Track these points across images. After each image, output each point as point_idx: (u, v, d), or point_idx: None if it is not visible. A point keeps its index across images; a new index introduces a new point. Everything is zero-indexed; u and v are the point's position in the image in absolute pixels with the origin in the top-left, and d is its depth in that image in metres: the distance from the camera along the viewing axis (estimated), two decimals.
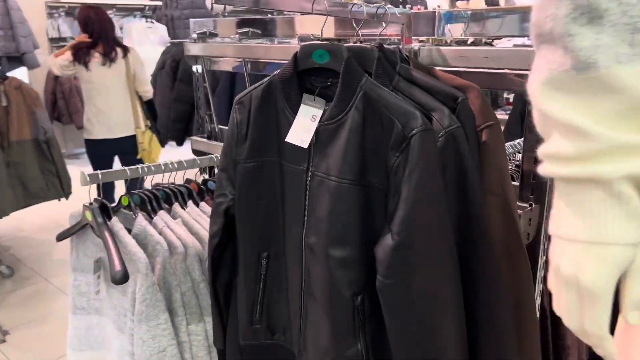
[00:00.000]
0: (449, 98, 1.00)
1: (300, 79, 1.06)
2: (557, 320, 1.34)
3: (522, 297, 1.08)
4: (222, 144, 2.05)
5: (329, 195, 1.01)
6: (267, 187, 1.14)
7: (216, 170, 1.66)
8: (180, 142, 4.70)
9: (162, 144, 4.33)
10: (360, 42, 1.10)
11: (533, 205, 1.13)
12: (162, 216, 1.43)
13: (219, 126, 1.96)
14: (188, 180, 1.64)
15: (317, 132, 1.03)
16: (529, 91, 0.60)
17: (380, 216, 0.99)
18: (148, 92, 3.77)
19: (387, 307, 0.97)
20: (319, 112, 1.03)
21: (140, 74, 3.68)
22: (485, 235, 0.98)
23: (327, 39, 1.15)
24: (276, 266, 1.18)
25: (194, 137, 1.96)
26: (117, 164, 4.02)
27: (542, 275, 1.17)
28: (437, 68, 1.13)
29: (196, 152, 1.98)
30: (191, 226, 1.44)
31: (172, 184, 1.64)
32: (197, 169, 1.70)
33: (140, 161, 3.73)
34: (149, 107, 3.89)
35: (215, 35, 1.85)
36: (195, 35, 1.82)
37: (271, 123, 1.11)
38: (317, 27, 1.55)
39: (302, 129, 1.04)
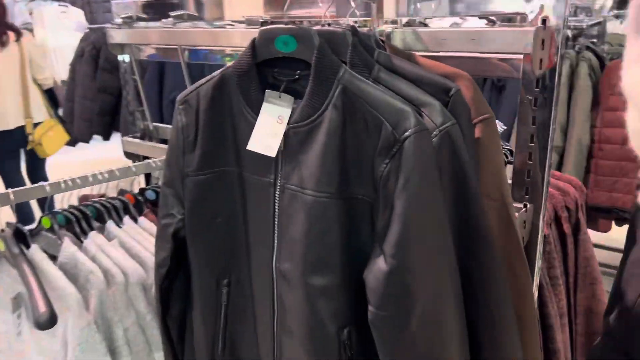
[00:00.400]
0: (440, 90, 0.85)
1: (260, 71, 0.87)
2: (547, 324, 1.25)
3: (523, 311, 0.96)
4: (158, 145, 1.82)
5: (304, 213, 0.84)
6: (224, 203, 0.95)
7: (157, 178, 1.43)
8: (106, 137, 4.34)
9: (86, 138, 3.97)
10: (329, 24, 0.92)
11: (528, 206, 1.01)
12: (94, 238, 1.20)
13: (154, 124, 1.72)
14: (122, 191, 1.40)
15: (286, 136, 0.85)
16: (627, 88, 0.45)
17: (366, 234, 0.83)
18: (47, 79, 3.46)
19: (382, 343, 0.81)
20: (286, 112, 0.85)
21: (38, 60, 3.35)
22: (489, 249, 0.85)
23: (292, 22, 0.96)
24: (240, 294, 0.99)
25: (125, 138, 1.71)
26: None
27: (538, 282, 1.06)
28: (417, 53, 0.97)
29: (128, 155, 1.74)
30: (130, 248, 1.22)
31: (103, 196, 1.41)
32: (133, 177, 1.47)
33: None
34: (50, 96, 3.56)
35: (144, 19, 1.60)
36: (119, 20, 1.56)
37: (226, 126, 0.91)
38: (249, 6, 1.35)
39: (267, 133, 0.85)
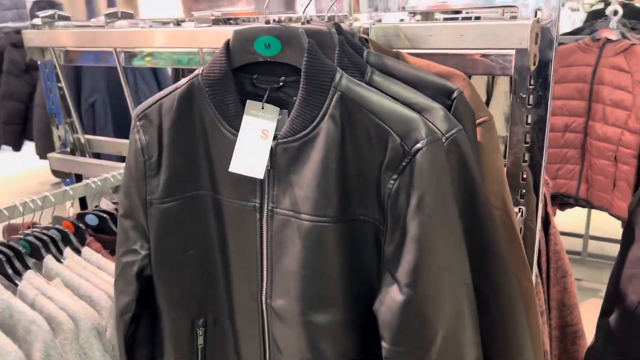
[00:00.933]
0: (441, 92, 0.76)
1: (236, 78, 0.75)
2: None
3: (528, 321, 0.90)
4: (92, 160, 1.61)
5: (300, 241, 0.72)
6: (197, 233, 0.81)
7: (93, 202, 1.25)
8: (17, 147, 3.94)
9: None
10: (308, 21, 0.81)
11: (523, 209, 0.95)
12: (30, 279, 1.02)
13: (86, 136, 1.52)
14: (57, 219, 1.21)
15: (273, 153, 0.73)
16: None
17: (370, 259, 0.73)
18: None
19: None
20: (271, 126, 0.73)
21: None
22: (501, 264, 0.78)
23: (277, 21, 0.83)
24: (219, 335, 0.86)
25: (53, 155, 1.50)
26: None
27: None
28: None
29: (57, 173, 1.53)
30: (77, 287, 1.04)
31: (34, 225, 1.21)
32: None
33: None
34: None
35: (67, 18, 1.40)
36: (37, 20, 1.35)
37: (196, 143, 0.78)
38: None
39: (251, 151, 0.73)
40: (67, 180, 1.53)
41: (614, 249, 3.11)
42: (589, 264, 2.92)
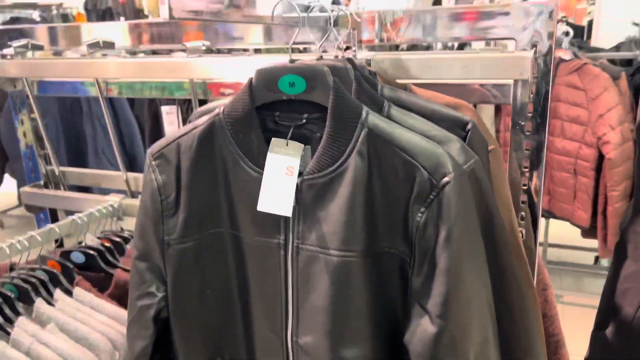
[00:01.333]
0: (455, 124, 0.79)
1: (258, 116, 0.74)
2: None
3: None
4: (68, 194, 1.54)
5: (329, 276, 0.72)
6: (215, 271, 0.80)
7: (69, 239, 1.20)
8: None
9: None
10: (321, 57, 0.82)
11: (523, 232, 0.99)
12: (23, 326, 0.97)
13: (60, 168, 1.46)
14: (42, 259, 1.15)
15: (298, 189, 0.73)
16: None
17: (395, 291, 0.74)
18: None
19: None
20: (295, 162, 0.73)
21: None
22: (517, 285, 0.80)
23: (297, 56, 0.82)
24: None
25: (25, 189, 1.42)
26: None
27: None
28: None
29: (31, 208, 1.46)
30: (73, 330, 0.99)
31: (14, 266, 1.14)
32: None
33: None
34: None
35: (40, 47, 1.35)
36: (10, 50, 1.29)
37: (216, 182, 0.77)
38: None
39: (277, 188, 0.72)
40: (41, 215, 1.46)
41: (571, 256, 3.25)
42: (549, 271, 3.04)
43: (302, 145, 0.73)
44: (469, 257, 0.70)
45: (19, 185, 3.68)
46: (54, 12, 5.16)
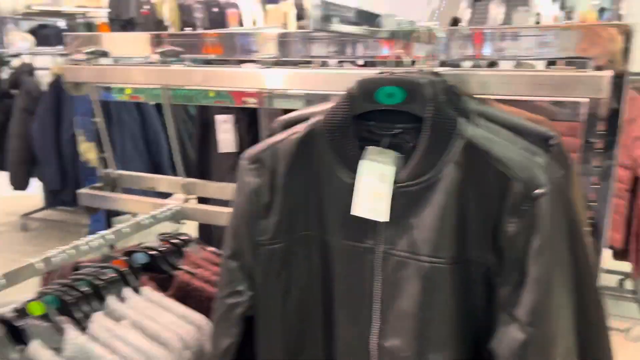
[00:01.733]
0: (539, 138, 0.81)
1: (354, 125, 0.78)
2: None
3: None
4: (126, 196, 1.58)
5: (419, 282, 0.75)
6: (301, 272, 0.83)
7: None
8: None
9: None
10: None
11: None
12: (100, 322, 0.99)
13: (119, 172, 1.50)
14: (107, 258, 1.19)
15: (392, 196, 0.76)
16: None
17: (479, 299, 0.77)
18: None
19: None
20: (390, 170, 0.76)
21: None
22: (595, 293, 0.82)
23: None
24: None
25: (83, 191, 1.46)
26: None
27: None
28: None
29: (87, 209, 1.50)
30: (145, 327, 1.02)
31: (80, 264, 1.17)
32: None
33: None
34: None
35: (105, 53, 1.40)
36: (80, 56, 1.34)
37: (309, 186, 0.80)
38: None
39: (371, 194, 0.75)
40: (96, 216, 1.49)
41: (605, 278, 3.22)
42: None
43: (397, 153, 0.76)
44: (559, 267, 0.73)
45: (46, 190, 3.73)
46: (79, 20, 5.28)
